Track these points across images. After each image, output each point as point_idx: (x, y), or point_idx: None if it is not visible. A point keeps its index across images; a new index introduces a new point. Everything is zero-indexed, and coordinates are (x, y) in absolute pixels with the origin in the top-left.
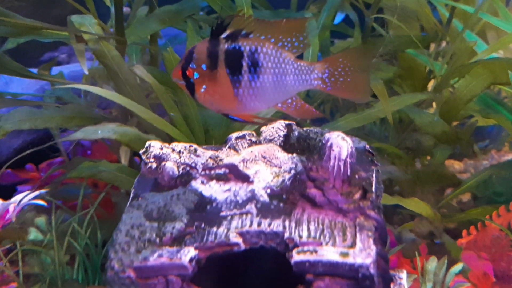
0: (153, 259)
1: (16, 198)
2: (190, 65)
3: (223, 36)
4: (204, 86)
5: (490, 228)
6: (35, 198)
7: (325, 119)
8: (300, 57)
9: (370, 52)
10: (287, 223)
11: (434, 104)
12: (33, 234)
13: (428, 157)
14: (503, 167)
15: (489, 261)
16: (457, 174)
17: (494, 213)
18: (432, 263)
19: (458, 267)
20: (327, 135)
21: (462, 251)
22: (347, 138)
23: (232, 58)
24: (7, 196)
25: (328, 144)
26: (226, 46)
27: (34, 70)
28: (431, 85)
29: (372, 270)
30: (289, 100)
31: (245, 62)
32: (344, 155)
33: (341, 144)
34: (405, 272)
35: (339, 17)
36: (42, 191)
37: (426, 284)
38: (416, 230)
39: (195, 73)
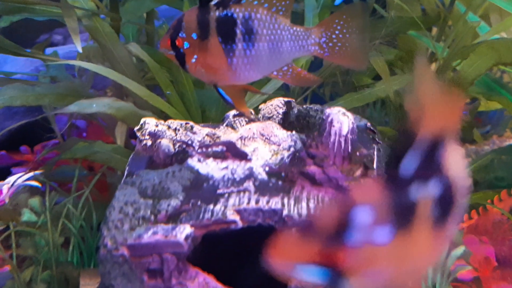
0: (148, 237)
1: (10, 179)
2: (180, 34)
3: (213, 3)
4: (195, 56)
5: (492, 213)
6: (29, 179)
7: (324, 101)
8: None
9: (364, 8)
10: (285, 200)
11: None
12: (27, 215)
13: None
14: (505, 152)
15: (491, 245)
16: None
17: (496, 198)
18: None
19: (459, 250)
20: (327, 110)
21: (463, 235)
22: (348, 114)
23: (225, 26)
24: (2, 178)
25: (329, 119)
26: (217, 13)
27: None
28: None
29: None
30: (285, 68)
31: (238, 30)
32: (345, 131)
33: (342, 119)
34: None
35: None
36: (36, 172)
37: None
38: None
39: (185, 42)
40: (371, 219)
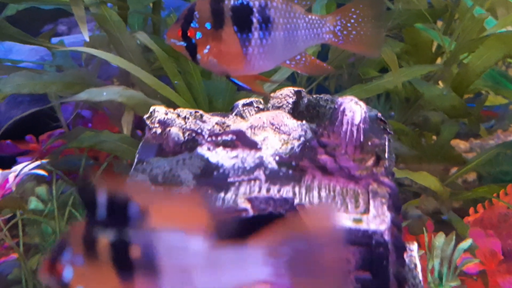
0: None
1: (16, 167)
2: (192, 24)
3: None
4: (208, 47)
5: (497, 206)
6: (35, 168)
7: (329, 92)
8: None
9: None
10: (297, 189)
11: (440, 83)
12: (34, 203)
13: (434, 137)
14: (510, 146)
15: (497, 239)
16: (463, 153)
17: (502, 192)
18: (439, 239)
19: (466, 243)
20: (339, 99)
21: (469, 229)
22: (361, 103)
23: (241, 15)
24: (7, 167)
25: (341, 108)
26: (232, 2)
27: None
28: (439, 62)
29: (386, 237)
30: (298, 56)
31: (255, 19)
32: (357, 120)
33: (354, 108)
34: (416, 244)
35: None
36: (43, 161)
37: (433, 260)
38: (422, 207)
39: (197, 33)
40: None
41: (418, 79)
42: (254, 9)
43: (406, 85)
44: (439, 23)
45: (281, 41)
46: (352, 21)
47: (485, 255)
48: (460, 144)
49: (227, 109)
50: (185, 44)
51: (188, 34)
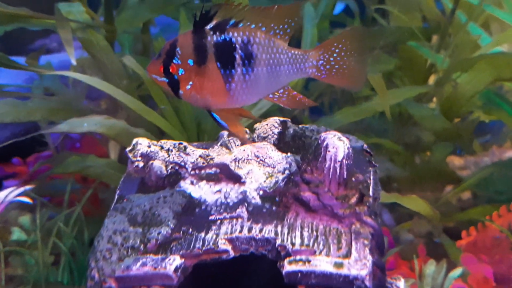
0: (136, 268)
1: (0, 195)
2: (174, 60)
3: (208, 27)
4: (190, 83)
5: (490, 229)
6: (20, 195)
7: (323, 111)
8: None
9: (365, 32)
10: (279, 228)
11: (434, 99)
12: (16, 234)
13: (428, 153)
14: (505, 165)
15: (489, 263)
16: (457, 170)
17: (495, 213)
18: (430, 267)
19: (457, 271)
20: (323, 134)
21: (462, 254)
22: (344, 138)
23: (224, 51)
24: None
25: (324, 144)
26: (215, 38)
27: (24, 58)
28: (433, 79)
29: (367, 283)
30: (281, 90)
31: (238, 55)
32: (340, 156)
33: (337, 144)
34: (403, 280)
35: (339, 7)
36: (27, 187)
37: None
38: (414, 230)
39: (179, 69)
40: None
41: (409, 100)
42: (237, 46)
43: (400, 102)
44: (434, 37)
45: (264, 77)
46: (335, 55)
47: (477, 282)
48: (455, 161)
49: (216, 132)
50: (167, 80)
51: (170, 70)
